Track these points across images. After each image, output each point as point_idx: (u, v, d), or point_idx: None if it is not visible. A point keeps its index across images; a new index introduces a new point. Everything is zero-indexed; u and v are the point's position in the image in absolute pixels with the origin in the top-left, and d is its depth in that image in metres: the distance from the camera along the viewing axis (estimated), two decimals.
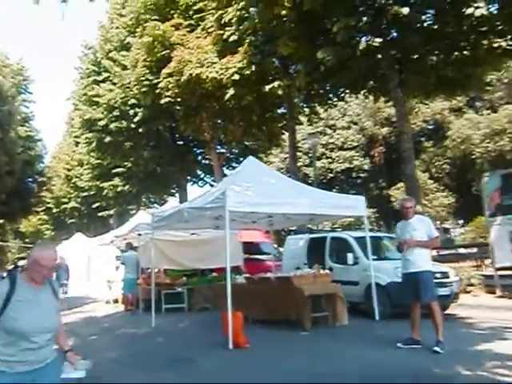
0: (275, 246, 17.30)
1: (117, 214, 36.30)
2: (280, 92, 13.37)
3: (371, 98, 16.81)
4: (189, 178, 27.75)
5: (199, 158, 26.93)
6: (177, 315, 11.81)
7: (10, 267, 44.29)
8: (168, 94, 18.45)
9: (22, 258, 49.99)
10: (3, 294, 2.73)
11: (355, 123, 32.84)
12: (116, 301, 15.64)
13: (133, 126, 22.42)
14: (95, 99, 22.96)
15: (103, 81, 23.68)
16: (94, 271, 20.67)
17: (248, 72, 14.79)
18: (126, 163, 27.21)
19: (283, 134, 21.63)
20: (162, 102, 18.69)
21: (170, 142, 25.23)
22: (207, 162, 26.79)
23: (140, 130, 22.34)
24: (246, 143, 24.93)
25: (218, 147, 24.10)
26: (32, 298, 2.81)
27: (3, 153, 19.24)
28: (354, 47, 11.23)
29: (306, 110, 18.94)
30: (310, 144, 17.77)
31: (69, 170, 38.17)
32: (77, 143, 35.35)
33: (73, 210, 40.63)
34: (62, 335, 3.20)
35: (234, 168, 28.38)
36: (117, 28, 24.60)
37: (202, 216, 9.26)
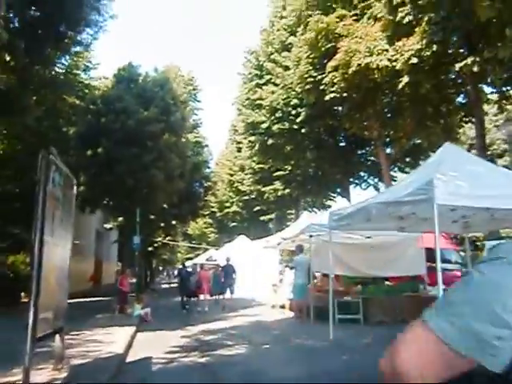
0: (462, 253, 15.01)
1: (276, 217, 36.57)
2: (475, 69, 11.18)
3: None
4: (351, 180, 26.38)
5: (363, 158, 25.38)
6: (353, 328, 10.57)
7: (180, 266, 47.86)
8: (333, 89, 17.39)
9: (189, 259, 53.78)
10: None
11: None
12: (283, 306, 14.99)
13: (295, 127, 21.91)
14: (258, 102, 23.05)
15: (265, 83, 23.71)
16: (259, 274, 20.49)
17: (428, 53, 12.92)
18: (286, 166, 27.00)
19: (462, 126, 19.06)
20: (327, 98, 17.68)
21: (332, 143, 24.19)
22: (371, 162, 25.14)
23: (302, 131, 21.71)
24: (414, 141, 22.71)
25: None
26: None
27: (176, 155, 20.15)
28: None
29: (494, 96, 16.22)
30: (505, 132, 14.94)
31: (231, 175, 39.66)
32: (239, 149, 36.60)
33: (235, 214, 42.13)
34: None
35: (401, 169, 26.12)
36: (278, 30, 24.53)
37: (389, 214, 7.91)
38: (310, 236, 12.07)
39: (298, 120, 21.39)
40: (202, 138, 30.76)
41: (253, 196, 34.52)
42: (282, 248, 17.54)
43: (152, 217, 26.57)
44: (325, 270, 12.16)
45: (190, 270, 20.71)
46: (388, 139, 20.56)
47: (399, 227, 9.77)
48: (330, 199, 33.09)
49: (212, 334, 10.57)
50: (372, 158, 25.77)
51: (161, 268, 77.79)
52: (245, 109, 24.84)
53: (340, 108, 20.40)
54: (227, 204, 43.06)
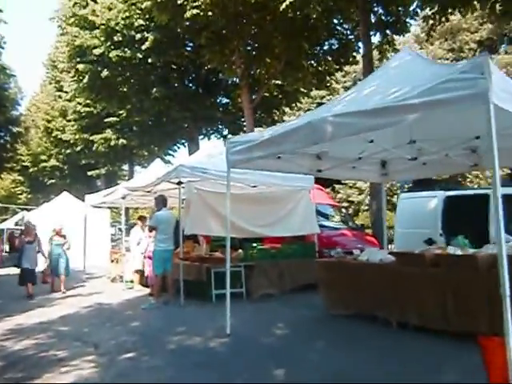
0: (343, 210, 13.22)
1: (107, 173, 31.51)
2: None
3: None
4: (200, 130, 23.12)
5: (218, 102, 22.09)
6: (240, 307, 7.54)
7: None
8: (195, 4, 13.81)
9: None
10: None
11: None
12: (131, 280, 11.19)
13: (139, 55, 17.61)
14: (91, 18, 17.77)
15: None
16: (90, 239, 16.07)
17: None
18: (121, 112, 22.44)
19: (333, 74, 17.38)
20: (188, 15, 13.99)
21: (183, 81, 20.46)
22: (226, 108, 22.06)
23: (149, 61, 17.53)
24: (272, 91, 20.42)
25: None
26: None
27: None
28: None
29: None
30: None
31: (49, 121, 32.80)
32: (60, 89, 30.13)
33: (53, 170, 35.39)
34: None
35: (260, 122, 23.13)
36: None
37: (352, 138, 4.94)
38: (179, 183, 8.57)
39: (144, 47, 17.11)
40: (8, 67, 23.62)
41: (78, 148, 28.80)
42: (126, 205, 13.51)
43: None
44: (204, 230, 8.87)
45: None
46: (252, 80, 17.67)
47: (316, 169, 7.08)
48: (170, 154, 29.44)
49: (27, 336, 6.23)
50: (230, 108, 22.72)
51: None
52: (70, 27, 19.16)
53: (198, 37, 16.76)
54: (43, 157, 35.92)
